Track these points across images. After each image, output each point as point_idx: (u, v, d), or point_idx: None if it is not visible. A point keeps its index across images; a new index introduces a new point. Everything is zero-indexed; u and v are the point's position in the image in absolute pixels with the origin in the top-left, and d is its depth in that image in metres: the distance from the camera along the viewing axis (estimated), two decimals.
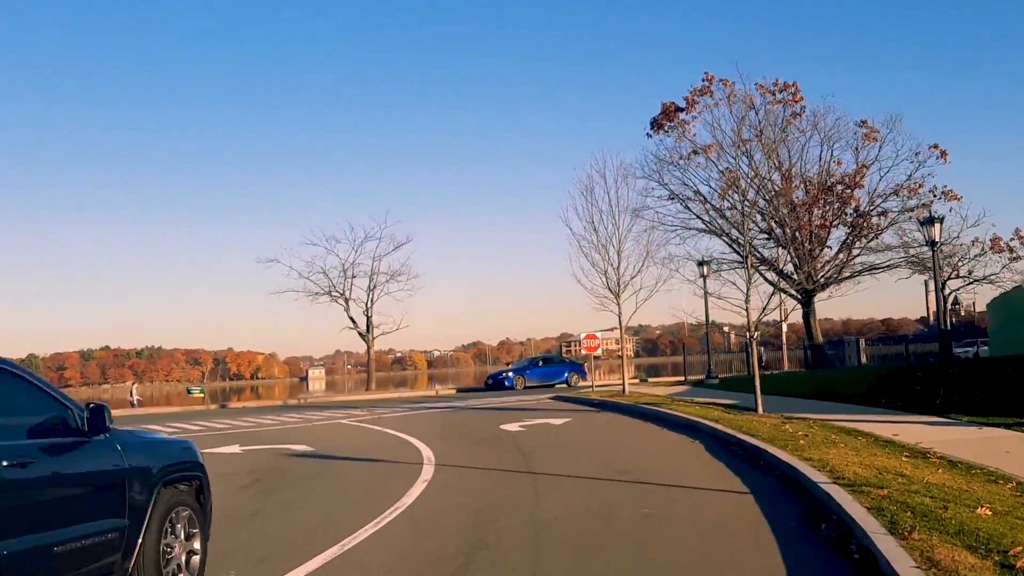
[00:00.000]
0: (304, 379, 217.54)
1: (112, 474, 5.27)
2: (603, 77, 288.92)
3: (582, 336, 28.98)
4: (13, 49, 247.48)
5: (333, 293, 45.46)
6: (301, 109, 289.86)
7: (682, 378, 36.47)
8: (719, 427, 14.51)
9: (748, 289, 17.93)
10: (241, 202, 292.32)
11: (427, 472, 11.58)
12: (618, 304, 24.23)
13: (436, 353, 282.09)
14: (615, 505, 8.65)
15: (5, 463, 4.39)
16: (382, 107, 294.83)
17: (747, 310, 18.02)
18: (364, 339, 45.83)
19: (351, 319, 45.94)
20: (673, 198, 38.18)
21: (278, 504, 9.78)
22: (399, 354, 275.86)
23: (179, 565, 5.79)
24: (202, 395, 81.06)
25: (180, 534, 5.87)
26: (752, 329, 18.19)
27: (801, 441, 11.72)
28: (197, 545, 6.06)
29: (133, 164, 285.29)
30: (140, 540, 5.34)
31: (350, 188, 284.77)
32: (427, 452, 13.95)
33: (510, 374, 39.41)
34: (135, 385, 49.22)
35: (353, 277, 46.54)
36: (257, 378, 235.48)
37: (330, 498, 10.09)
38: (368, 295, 45.87)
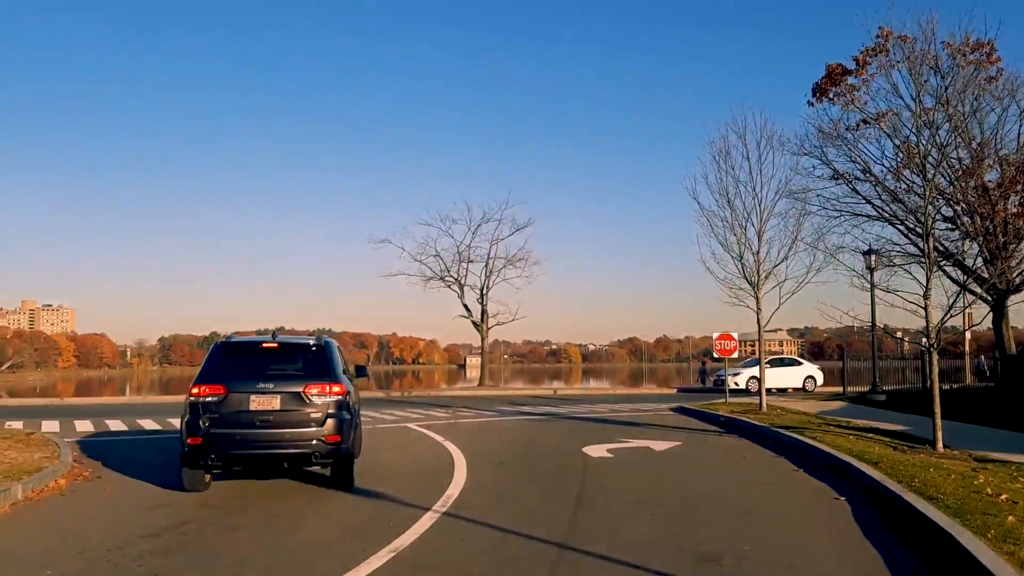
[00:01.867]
0: (462, 366, 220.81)
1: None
2: (752, 40, 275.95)
3: (715, 336, 24.23)
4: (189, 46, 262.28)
5: (446, 278, 42.51)
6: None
7: (840, 390, 30.83)
8: (879, 476, 9.83)
9: (928, 285, 13.21)
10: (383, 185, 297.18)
11: (410, 535, 7.64)
12: (756, 298, 19.45)
13: (591, 347, 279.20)
14: None
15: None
16: (502, 85, 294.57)
17: (927, 311, 13.22)
18: (478, 329, 42.47)
19: (465, 306, 42.95)
20: (837, 178, 32.40)
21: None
22: (555, 346, 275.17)
23: None
24: None
25: None
26: (932, 335, 13.30)
27: (1009, 517, 7.09)
28: None
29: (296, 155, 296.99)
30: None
31: (469, 168, 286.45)
32: (451, 490, 10.04)
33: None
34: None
35: (469, 261, 43.33)
36: (418, 363, 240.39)
37: None
38: (484, 280, 42.69)
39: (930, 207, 27.78)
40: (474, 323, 42.56)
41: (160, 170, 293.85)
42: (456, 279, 42.75)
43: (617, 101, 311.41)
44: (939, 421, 12.59)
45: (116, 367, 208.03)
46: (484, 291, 42.37)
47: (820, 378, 35.75)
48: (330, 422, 9.88)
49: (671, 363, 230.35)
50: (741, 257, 19.67)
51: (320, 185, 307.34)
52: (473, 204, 58.59)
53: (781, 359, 38.04)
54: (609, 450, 13.84)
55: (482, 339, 42.99)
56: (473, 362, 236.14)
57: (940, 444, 12.40)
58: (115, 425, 19.50)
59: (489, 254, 43.29)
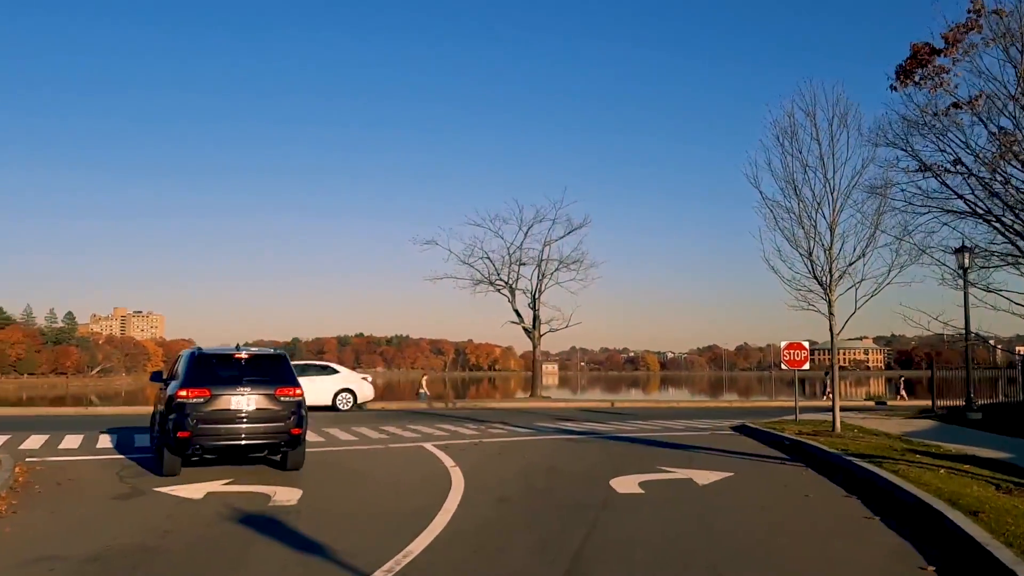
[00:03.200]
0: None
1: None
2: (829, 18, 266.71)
3: (783, 345, 21.44)
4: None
5: (496, 281, 40.28)
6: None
7: (929, 404, 27.59)
8: (982, 536, 7.34)
9: None
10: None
11: None
12: (828, 301, 16.78)
13: (669, 355, 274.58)
14: None
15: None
16: (555, 82, 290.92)
17: None
18: (529, 335, 40.03)
19: (516, 311, 40.47)
20: (924, 170, 29.13)
21: None
22: (632, 354, 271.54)
23: None
24: None
25: None
26: None
27: None
28: None
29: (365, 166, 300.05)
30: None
31: (522, 167, 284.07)
32: (420, 540, 7.89)
33: None
34: (425, 378, 42.79)
35: (520, 264, 40.87)
36: (494, 370, 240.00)
37: None
38: (535, 284, 40.25)
39: None
40: (525, 329, 40.23)
41: (244, 178, 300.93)
42: (507, 283, 40.64)
43: (682, 90, 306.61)
44: None
45: None
46: (536, 295, 40.02)
47: (367, 392, 28.74)
48: (294, 418, 12.45)
49: (752, 372, 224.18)
50: (811, 253, 17.04)
51: (388, 189, 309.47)
52: (525, 204, 56.08)
53: (307, 366, 28.24)
54: (642, 483, 11.49)
55: (534, 346, 40.47)
56: (550, 369, 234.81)
57: None
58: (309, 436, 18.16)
59: (542, 256, 41.00)
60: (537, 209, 41.90)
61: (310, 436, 17.96)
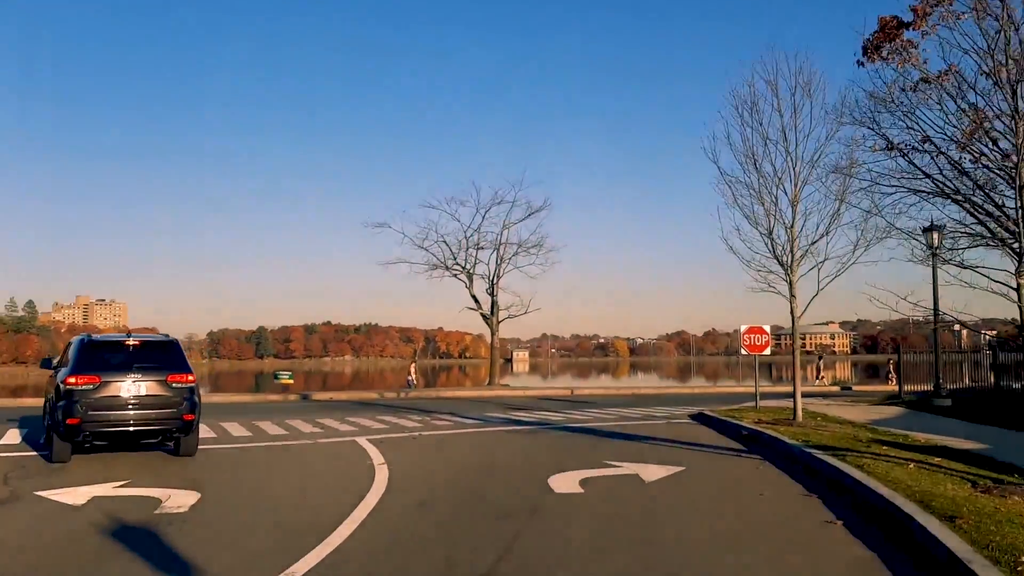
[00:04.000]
0: (509, 361, 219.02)
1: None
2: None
3: (742, 329, 20.39)
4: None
5: (453, 266, 38.77)
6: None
7: (895, 389, 26.81)
8: (959, 546, 6.27)
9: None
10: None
11: None
12: (789, 282, 15.75)
13: (639, 341, 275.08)
14: None
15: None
16: (512, 61, 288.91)
17: (1020, 294, 9.77)
18: (487, 322, 38.67)
19: (473, 297, 38.96)
20: (891, 149, 28.22)
21: None
22: (602, 340, 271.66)
23: None
24: (291, 380, 74.86)
25: None
26: None
27: None
28: None
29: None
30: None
31: (480, 149, 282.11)
32: (306, 560, 6.67)
33: None
34: (413, 366, 42.07)
35: (478, 248, 39.26)
36: (465, 357, 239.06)
37: None
38: (494, 269, 38.76)
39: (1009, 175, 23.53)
40: (483, 316, 38.79)
41: (207, 165, 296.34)
42: (463, 267, 39.06)
43: (642, 66, 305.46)
44: None
45: None
46: (494, 280, 38.61)
47: None
48: (186, 404, 12.31)
49: (720, 356, 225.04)
50: (771, 232, 15.98)
51: (350, 172, 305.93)
52: (484, 186, 54.39)
53: None
54: (584, 480, 10.37)
55: (492, 333, 39.17)
56: (520, 356, 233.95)
57: None
58: (234, 430, 17.07)
59: (500, 239, 39.36)
60: (495, 191, 40.52)
61: (235, 431, 16.69)
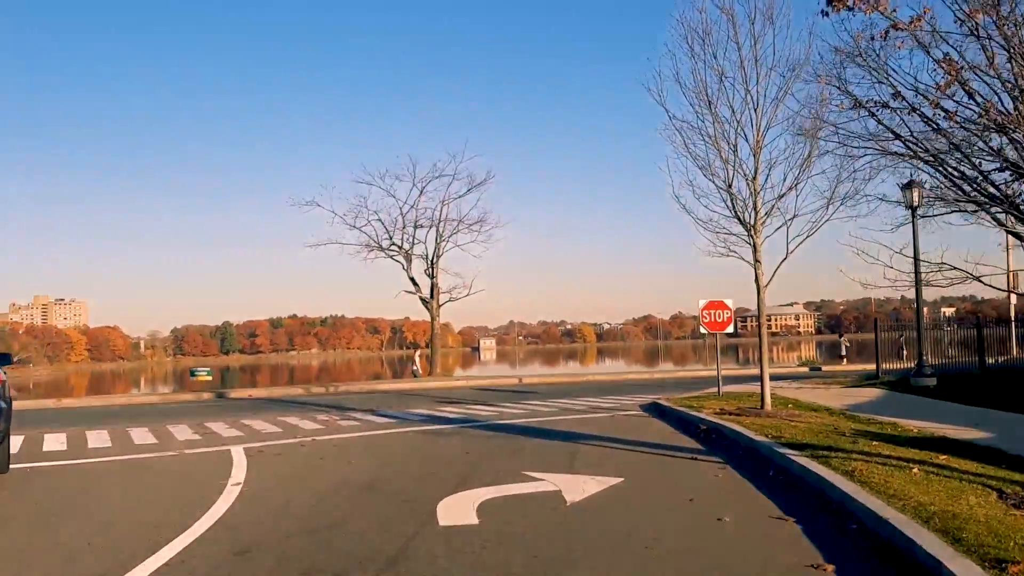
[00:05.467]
0: (476, 349, 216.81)
1: None
2: None
3: (701, 305, 17.82)
4: None
5: (389, 247, 35.80)
6: None
7: (872, 368, 24.48)
8: None
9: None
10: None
11: None
12: (753, 245, 13.23)
13: (606, 326, 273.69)
14: None
15: None
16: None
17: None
18: (427, 306, 35.80)
19: (412, 280, 36.11)
20: (858, 107, 25.77)
21: None
22: (570, 326, 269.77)
23: None
24: (209, 377, 72.35)
25: None
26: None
27: None
28: None
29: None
30: None
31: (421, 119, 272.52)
32: None
33: None
34: (418, 355, 40.62)
35: (416, 226, 36.37)
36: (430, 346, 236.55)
37: None
38: (434, 248, 35.96)
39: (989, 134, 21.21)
40: (422, 299, 35.88)
41: (164, 160, 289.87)
42: (400, 247, 36.11)
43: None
44: None
45: (129, 359, 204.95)
46: (434, 260, 35.75)
47: None
48: None
49: (687, 340, 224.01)
50: (730, 186, 13.42)
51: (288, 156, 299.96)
52: (421, 159, 51.14)
53: None
54: (484, 504, 7.73)
55: (432, 318, 36.22)
56: (488, 344, 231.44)
57: None
58: (94, 439, 14.24)
59: (440, 216, 36.59)
60: (434, 163, 37.61)
61: (96, 441, 13.90)
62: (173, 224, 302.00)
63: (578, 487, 8.39)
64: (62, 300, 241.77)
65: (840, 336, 46.00)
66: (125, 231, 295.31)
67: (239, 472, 10.14)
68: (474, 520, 7.14)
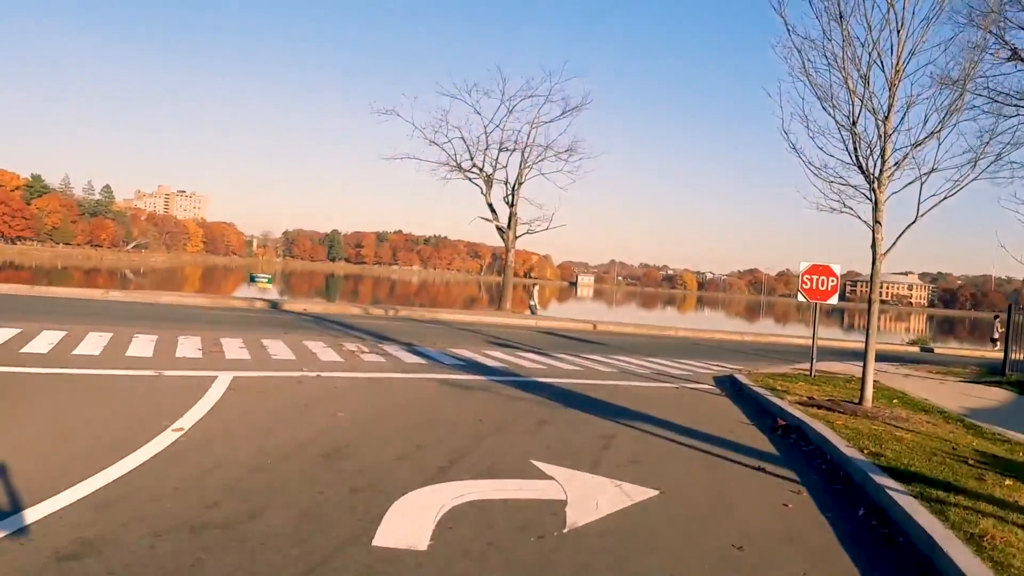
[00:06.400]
0: (574, 284, 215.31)
1: None
2: None
3: (802, 268, 14.99)
4: None
5: (471, 169, 33.05)
6: None
7: (990, 355, 21.04)
8: None
9: None
10: None
11: None
12: (874, 200, 10.54)
13: (709, 276, 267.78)
14: None
15: None
16: None
17: None
18: (502, 236, 33.17)
19: (489, 206, 33.31)
20: (1016, 58, 21.89)
21: None
22: (671, 271, 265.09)
23: None
24: (269, 284, 69.69)
25: None
26: None
27: None
28: None
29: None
30: None
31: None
32: None
33: None
34: (536, 288, 38.32)
35: (501, 149, 33.24)
36: (530, 277, 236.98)
37: None
38: (517, 174, 32.92)
39: None
40: (499, 228, 33.29)
41: (295, 68, 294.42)
42: (481, 169, 33.33)
43: None
44: None
45: (241, 256, 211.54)
46: (515, 187, 32.87)
47: None
48: None
49: (791, 298, 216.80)
50: (854, 123, 10.64)
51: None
52: (513, 75, 47.71)
53: None
54: (454, 512, 5.65)
55: (507, 249, 33.63)
56: (585, 281, 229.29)
57: None
58: (88, 344, 12.94)
59: (527, 140, 33.43)
60: (527, 80, 34.81)
61: (90, 346, 12.40)
62: (300, 130, 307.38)
63: (592, 498, 6.21)
64: (183, 192, 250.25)
65: (995, 317, 40.07)
66: (252, 132, 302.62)
67: (198, 412, 8.31)
68: (423, 542, 5.05)
